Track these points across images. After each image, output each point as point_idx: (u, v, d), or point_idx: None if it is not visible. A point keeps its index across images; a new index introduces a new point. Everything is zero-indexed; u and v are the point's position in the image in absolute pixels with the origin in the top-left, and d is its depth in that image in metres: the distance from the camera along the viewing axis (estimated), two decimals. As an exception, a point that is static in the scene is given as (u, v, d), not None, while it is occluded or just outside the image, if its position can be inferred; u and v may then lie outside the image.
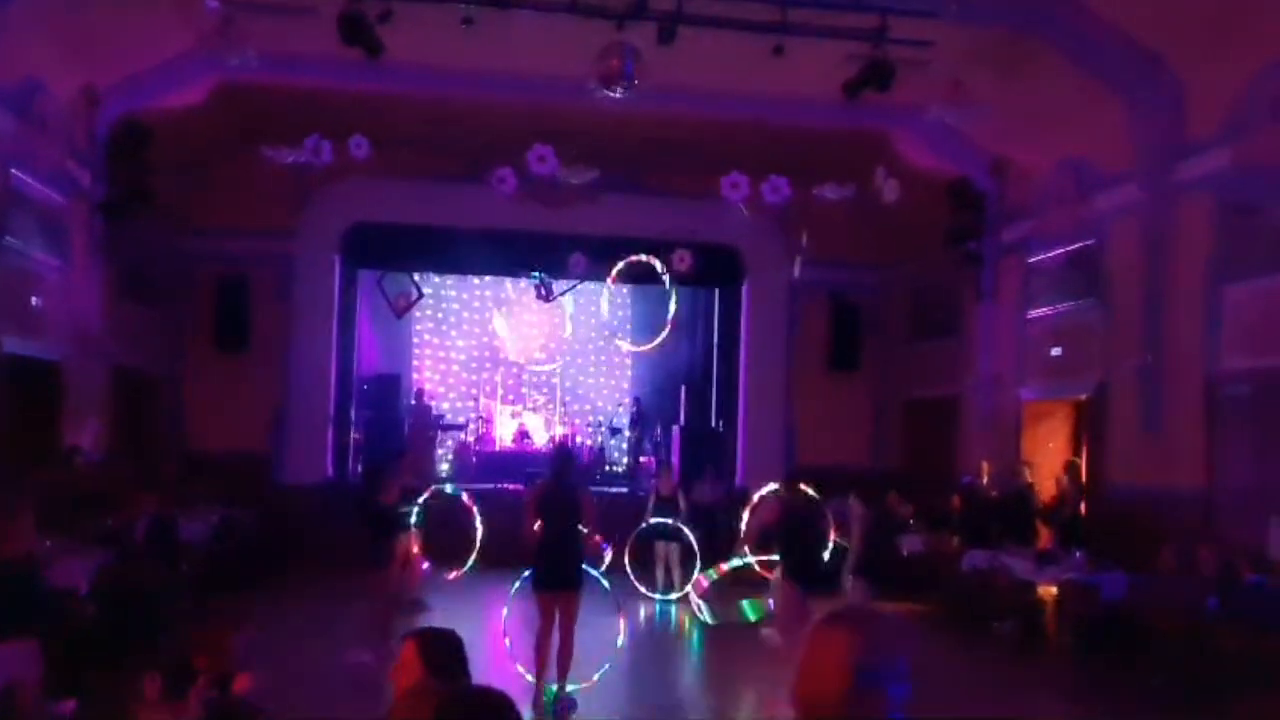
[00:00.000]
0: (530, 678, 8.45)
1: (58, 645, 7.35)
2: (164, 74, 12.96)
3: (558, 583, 8.46)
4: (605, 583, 9.17)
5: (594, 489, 17.23)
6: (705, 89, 13.24)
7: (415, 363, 21.69)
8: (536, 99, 13.67)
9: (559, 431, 20.60)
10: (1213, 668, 8.33)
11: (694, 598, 12.44)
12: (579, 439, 21.06)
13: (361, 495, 10.38)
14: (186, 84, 13.35)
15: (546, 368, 21.41)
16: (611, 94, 10.44)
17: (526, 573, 8.81)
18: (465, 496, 13.26)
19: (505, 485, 16.57)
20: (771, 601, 11.21)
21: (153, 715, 3.87)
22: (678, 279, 16.39)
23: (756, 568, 12.09)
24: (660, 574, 13.91)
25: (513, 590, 9.26)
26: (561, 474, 8.84)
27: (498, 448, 19.97)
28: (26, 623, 7.02)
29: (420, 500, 12.11)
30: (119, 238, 13.47)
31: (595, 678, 8.82)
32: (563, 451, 9.34)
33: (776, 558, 10.91)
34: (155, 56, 12.57)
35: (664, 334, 16.95)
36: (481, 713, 2.41)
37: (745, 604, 11.95)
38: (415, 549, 12.16)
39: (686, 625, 12.85)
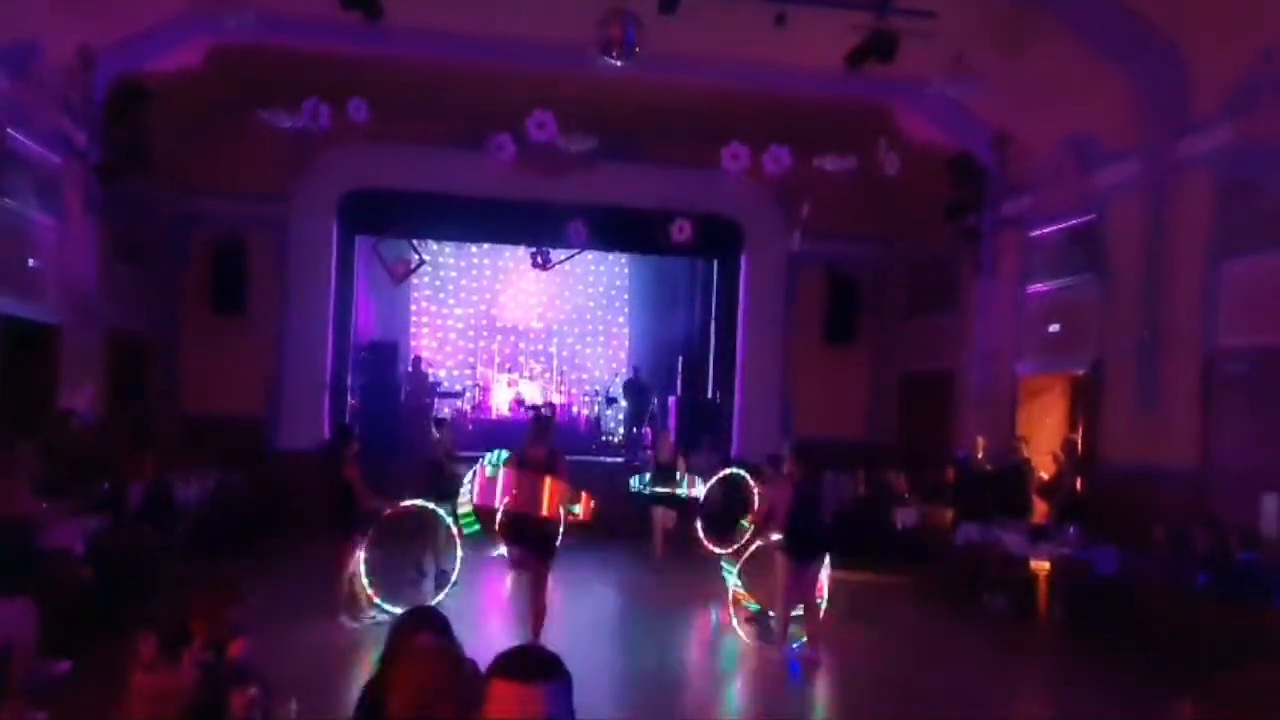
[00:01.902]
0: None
1: (54, 607, 7.39)
2: (161, 35, 12.86)
3: (530, 545, 8.66)
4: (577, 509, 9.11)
5: (590, 459, 17.29)
6: (706, 58, 13.16)
7: (413, 330, 21.68)
8: (536, 65, 13.58)
9: (556, 399, 20.65)
10: (1202, 643, 8.37)
11: None
12: (575, 408, 21.12)
13: (328, 458, 10.28)
14: (183, 45, 13.25)
15: None
16: (612, 62, 10.38)
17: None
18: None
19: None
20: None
21: (148, 676, 3.89)
22: (677, 249, 16.37)
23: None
24: (657, 539, 13.97)
25: None
26: (539, 440, 8.91)
27: (494, 416, 20.00)
28: (23, 582, 7.05)
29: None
30: (115, 199, 13.40)
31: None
32: (540, 419, 9.39)
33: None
34: (152, 17, 12.47)
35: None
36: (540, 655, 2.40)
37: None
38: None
39: (676, 590, 12.93)
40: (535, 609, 8.73)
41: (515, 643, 7.08)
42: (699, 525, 13.77)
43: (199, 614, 4.30)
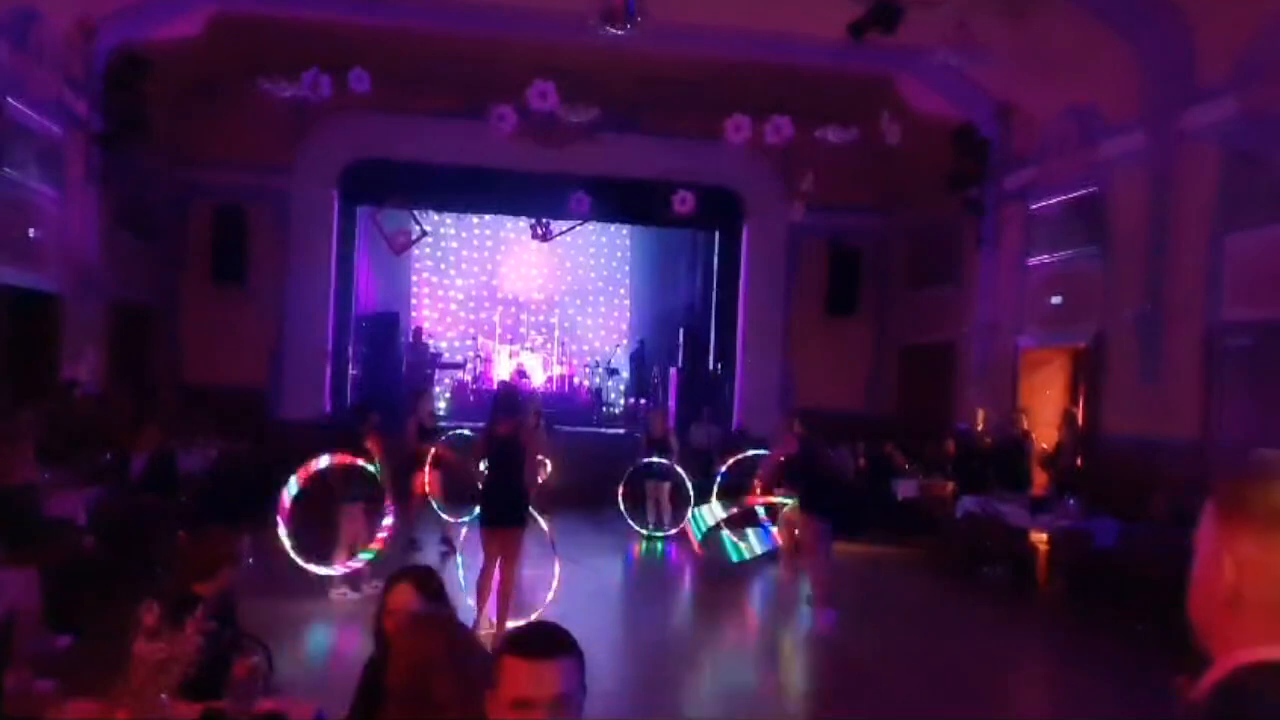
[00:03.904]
0: (471, 602, 8.59)
1: (57, 576, 7.42)
2: (161, 4, 12.82)
3: (499, 520, 8.58)
4: (543, 522, 9.25)
5: (590, 430, 17.31)
6: (708, 28, 13.09)
7: (414, 301, 21.68)
8: (538, 35, 13.51)
9: (556, 370, 20.68)
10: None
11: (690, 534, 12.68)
12: (576, 379, 21.14)
13: (347, 429, 10.37)
14: (184, 15, 13.19)
15: None
16: (613, 32, 10.33)
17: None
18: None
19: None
20: (778, 536, 11.45)
21: (150, 644, 3.90)
22: (679, 220, 16.34)
23: (761, 510, 12.30)
24: (651, 512, 14.02)
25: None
26: (509, 414, 8.90)
27: (496, 387, 19.99)
28: (26, 551, 7.08)
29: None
30: (116, 169, 13.37)
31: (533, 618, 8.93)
32: (507, 392, 9.41)
33: (782, 500, 11.15)
34: (152, -14, 12.43)
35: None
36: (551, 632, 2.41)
37: (729, 543, 12.19)
38: (425, 488, 12.17)
39: (675, 560, 13.01)
40: (503, 586, 8.59)
41: (476, 614, 7.11)
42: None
43: (199, 573, 4.33)
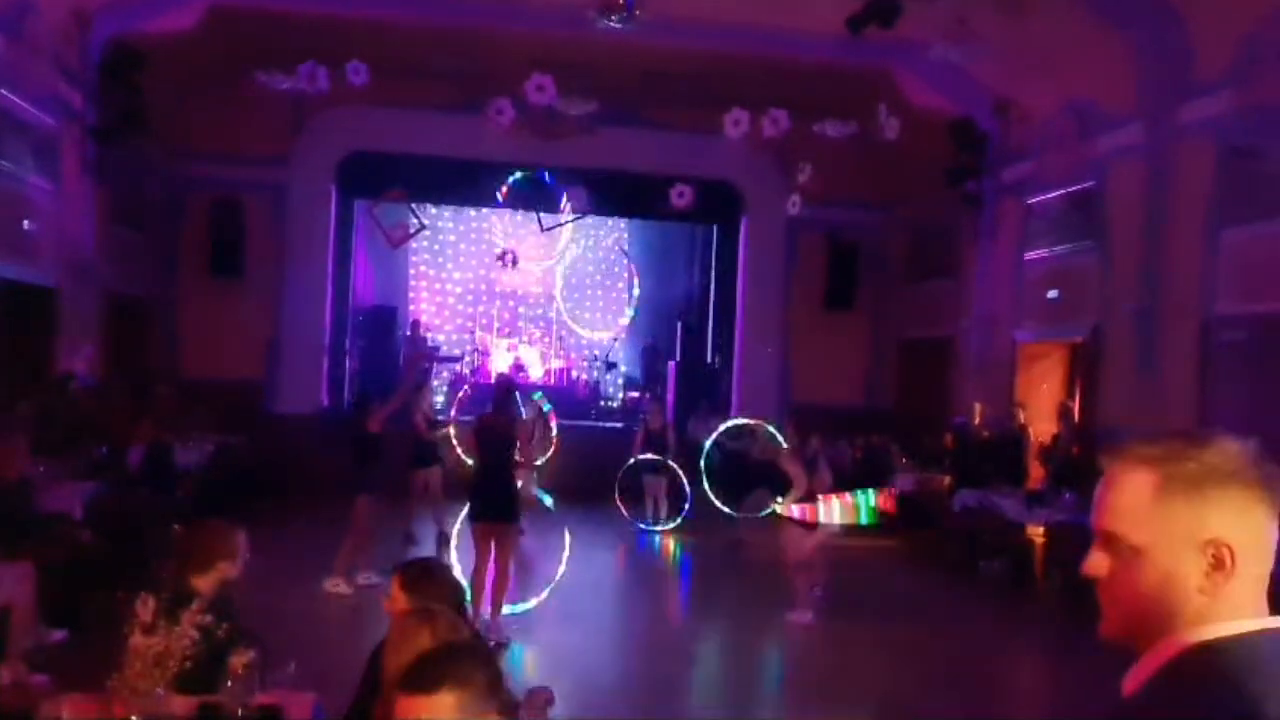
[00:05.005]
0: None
1: (53, 570, 7.41)
2: (157, -5, 12.78)
3: (490, 514, 8.53)
4: (549, 501, 9.25)
5: (588, 424, 17.34)
6: (707, 22, 13.06)
7: (411, 294, 21.63)
8: (536, 28, 13.49)
9: (555, 364, 20.65)
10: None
11: None
12: (575, 373, 21.11)
13: (350, 422, 10.40)
14: (179, 7, 13.16)
15: None
16: (612, 25, 10.31)
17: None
18: None
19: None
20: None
21: (146, 638, 3.90)
22: (677, 214, 16.34)
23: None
24: (649, 506, 14.03)
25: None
26: (501, 408, 8.89)
27: (494, 380, 19.95)
28: (21, 545, 7.07)
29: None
30: (111, 162, 13.33)
31: (533, 602, 8.97)
32: (504, 385, 9.40)
33: None
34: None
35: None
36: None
37: None
38: (438, 483, 12.17)
39: (672, 554, 13.02)
40: (497, 579, 8.55)
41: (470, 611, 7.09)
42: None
43: (195, 567, 4.32)
